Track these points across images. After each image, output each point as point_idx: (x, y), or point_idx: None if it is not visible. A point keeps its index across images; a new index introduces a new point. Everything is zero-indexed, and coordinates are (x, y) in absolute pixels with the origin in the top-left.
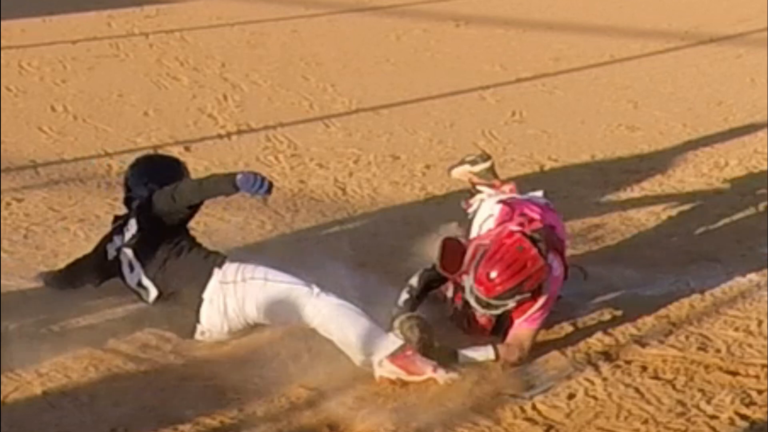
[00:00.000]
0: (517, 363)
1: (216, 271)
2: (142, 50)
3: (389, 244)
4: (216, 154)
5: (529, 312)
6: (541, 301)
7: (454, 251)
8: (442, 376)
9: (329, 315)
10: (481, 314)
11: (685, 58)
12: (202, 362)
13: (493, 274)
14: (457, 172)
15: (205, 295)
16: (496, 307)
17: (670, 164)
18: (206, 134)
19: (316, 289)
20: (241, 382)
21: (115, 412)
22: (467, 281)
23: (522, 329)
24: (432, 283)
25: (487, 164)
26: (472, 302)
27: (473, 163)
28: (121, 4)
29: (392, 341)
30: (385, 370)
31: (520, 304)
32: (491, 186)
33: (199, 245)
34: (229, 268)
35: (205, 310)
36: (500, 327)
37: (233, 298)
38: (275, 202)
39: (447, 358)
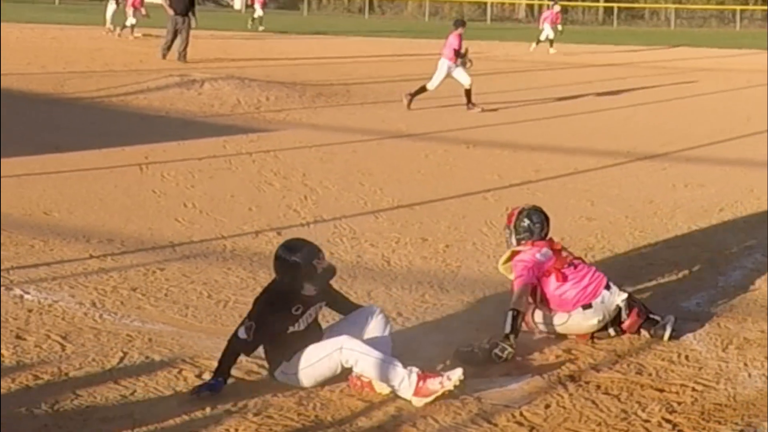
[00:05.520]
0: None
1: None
2: (248, 165)
3: (422, 299)
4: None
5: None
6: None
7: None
8: (451, 382)
9: (360, 365)
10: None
11: (627, 170)
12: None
13: None
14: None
15: (275, 374)
16: None
17: (615, 245)
18: (292, 223)
19: (345, 344)
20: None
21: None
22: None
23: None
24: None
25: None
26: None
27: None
28: (233, 132)
29: (408, 383)
30: (417, 403)
31: None
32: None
33: (284, 342)
34: (284, 367)
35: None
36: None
37: (292, 382)
38: (340, 271)
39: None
